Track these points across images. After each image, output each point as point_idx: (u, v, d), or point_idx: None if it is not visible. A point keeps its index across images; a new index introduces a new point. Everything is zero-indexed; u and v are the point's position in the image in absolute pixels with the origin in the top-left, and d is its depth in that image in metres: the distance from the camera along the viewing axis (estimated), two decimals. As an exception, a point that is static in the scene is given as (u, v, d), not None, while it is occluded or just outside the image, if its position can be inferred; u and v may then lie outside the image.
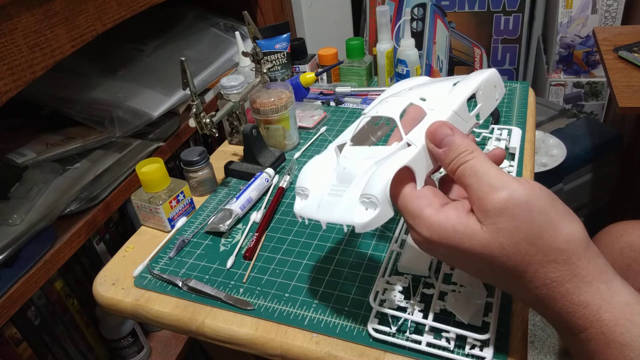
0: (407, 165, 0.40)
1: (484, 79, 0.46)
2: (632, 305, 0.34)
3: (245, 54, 0.82)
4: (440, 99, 0.45)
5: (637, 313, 0.34)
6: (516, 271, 0.36)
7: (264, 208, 0.70)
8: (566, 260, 0.35)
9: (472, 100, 0.46)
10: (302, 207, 0.45)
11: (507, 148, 0.73)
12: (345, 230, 0.39)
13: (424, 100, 0.45)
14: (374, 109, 0.47)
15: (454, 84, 0.47)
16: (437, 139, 0.40)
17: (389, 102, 0.46)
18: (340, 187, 0.44)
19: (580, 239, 0.35)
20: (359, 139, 0.49)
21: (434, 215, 0.38)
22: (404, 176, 0.40)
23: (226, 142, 0.90)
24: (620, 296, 0.35)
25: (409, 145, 0.42)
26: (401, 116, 0.44)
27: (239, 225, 0.68)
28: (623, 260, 0.66)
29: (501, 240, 0.35)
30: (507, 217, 0.35)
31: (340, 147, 0.47)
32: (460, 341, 0.47)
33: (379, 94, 0.97)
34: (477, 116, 0.46)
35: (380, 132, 0.52)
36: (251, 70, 0.90)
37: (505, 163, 0.70)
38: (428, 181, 0.43)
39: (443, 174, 0.44)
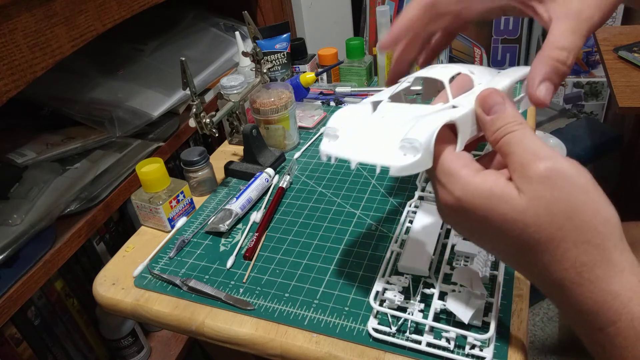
0: (454, 122, 0.38)
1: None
2: None
3: (245, 54, 0.82)
4: (489, 76, 0.44)
5: None
6: (546, 247, 0.33)
7: (264, 208, 0.70)
8: (600, 245, 0.33)
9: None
10: (331, 146, 0.42)
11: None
12: (378, 171, 0.38)
13: (473, 73, 0.43)
14: (419, 73, 0.44)
15: (498, 72, 0.45)
16: (488, 104, 0.38)
17: (436, 68, 0.44)
18: (377, 131, 0.41)
19: (617, 226, 0.33)
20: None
21: (471, 176, 0.36)
22: (445, 136, 0.38)
23: (226, 142, 0.90)
24: None
25: (453, 107, 0.40)
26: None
27: (239, 225, 0.68)
28: None
29: (538, 209, 0.33)
30: (549, 186, 0.33)
31: (376, 104, 0.45)
32: (460, 341, 0.47)
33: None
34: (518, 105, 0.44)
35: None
36: (251, 70, 0.90)
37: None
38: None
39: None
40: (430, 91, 0.49)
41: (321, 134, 0.87)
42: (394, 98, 0.47)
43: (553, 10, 0.39)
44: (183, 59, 0.64)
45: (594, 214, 0.33)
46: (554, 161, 0.33)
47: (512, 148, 0.35)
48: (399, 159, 0.37)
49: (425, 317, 0.48)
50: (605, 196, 0.34)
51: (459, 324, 0.47)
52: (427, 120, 0.38)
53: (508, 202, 0.34)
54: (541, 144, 0.35)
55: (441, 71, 0.43)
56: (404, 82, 0.46)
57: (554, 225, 0.33)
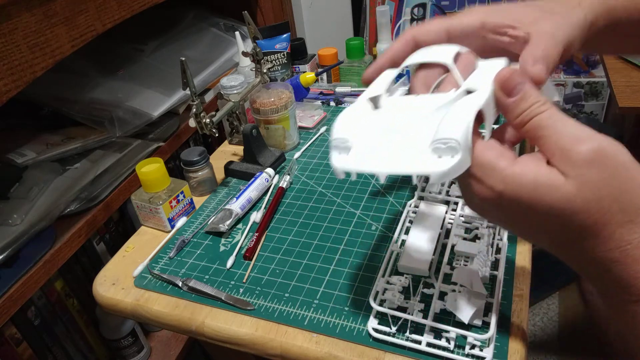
0: (482, 110, 0.34)
1: None
2: None
3: (245, 54, 0.82)
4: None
5: None
6: (592, 230, 0.33)
7: (264, 208, 0.70)
8: None
9: None
10: (347, 161, 0.38)
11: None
12: (415, 182, 0.34)
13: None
14: (414, 57, 0.40)
15: None
16: (509, 86, 0.35)
17: (433, 49, 0.40)
18: (395, 134, 0.37)
19: None
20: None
21: (510, 166, 0.34)
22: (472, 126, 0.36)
23: (226, 142, 0.90)
24: None
25: (468, 93, 0.36)
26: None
27: (239, 225, 0.68)
28: None
29: (587, 194, 0.32)
30: (596, 169, 0.32)
31: (373, 100, 0.41)
32: (460, 341, 0.47)
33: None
34: None
35: (399, 91, 0.45)
36: (251, 70, 0.90)
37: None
38: None
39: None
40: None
41: (321, 134, 0.87)
42: (390, 91, 0.43)
43: (530, 32, 0.40)
44: (183, 59, 0.64)
45: (638, 192, 0.32)
46: (597, 142, 0.32)
47: (544, 131, 0.34)
48: (437, 164, 0.33)
49: (425, 317, 0.48)
50: None
51: (459, 324, 0.47)
52: (454, 114, 0.34)
53: (557, 190, 0.33)
54: (573, 123, 0.34)
55: (439, 53, 0.39)
56: (395, 71, 0.42)
57: (601, 210, 0.32)
